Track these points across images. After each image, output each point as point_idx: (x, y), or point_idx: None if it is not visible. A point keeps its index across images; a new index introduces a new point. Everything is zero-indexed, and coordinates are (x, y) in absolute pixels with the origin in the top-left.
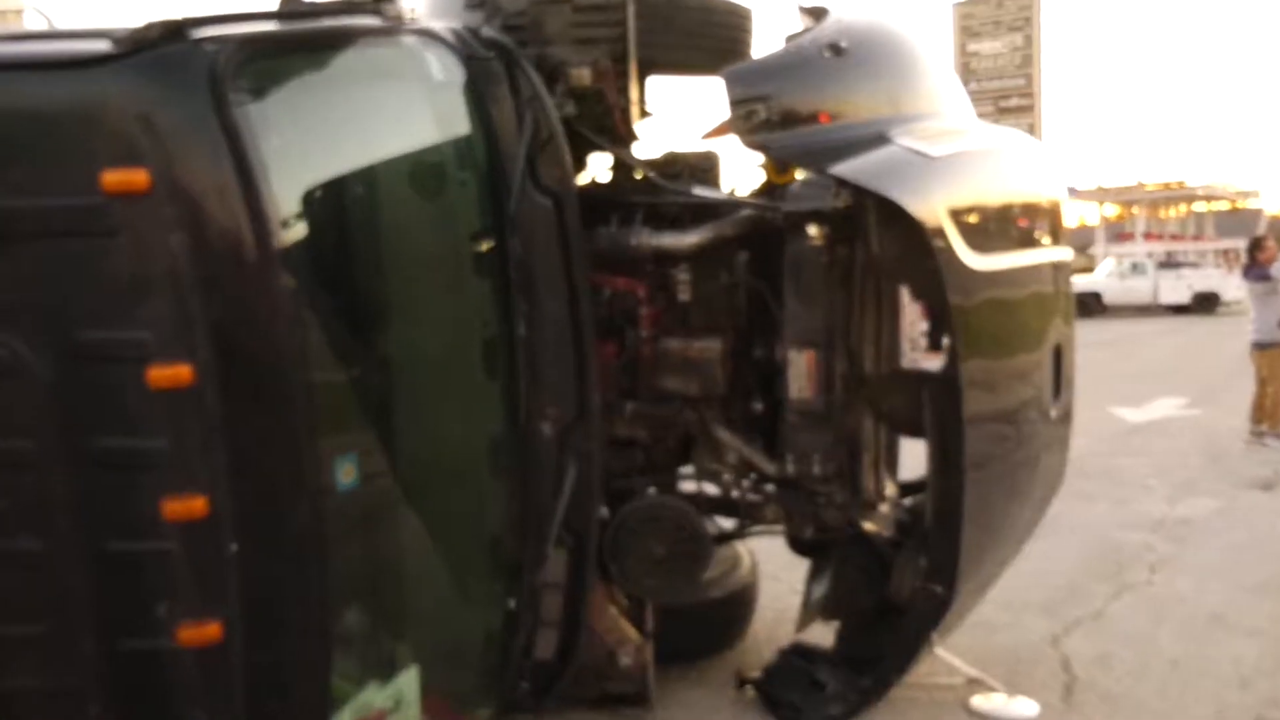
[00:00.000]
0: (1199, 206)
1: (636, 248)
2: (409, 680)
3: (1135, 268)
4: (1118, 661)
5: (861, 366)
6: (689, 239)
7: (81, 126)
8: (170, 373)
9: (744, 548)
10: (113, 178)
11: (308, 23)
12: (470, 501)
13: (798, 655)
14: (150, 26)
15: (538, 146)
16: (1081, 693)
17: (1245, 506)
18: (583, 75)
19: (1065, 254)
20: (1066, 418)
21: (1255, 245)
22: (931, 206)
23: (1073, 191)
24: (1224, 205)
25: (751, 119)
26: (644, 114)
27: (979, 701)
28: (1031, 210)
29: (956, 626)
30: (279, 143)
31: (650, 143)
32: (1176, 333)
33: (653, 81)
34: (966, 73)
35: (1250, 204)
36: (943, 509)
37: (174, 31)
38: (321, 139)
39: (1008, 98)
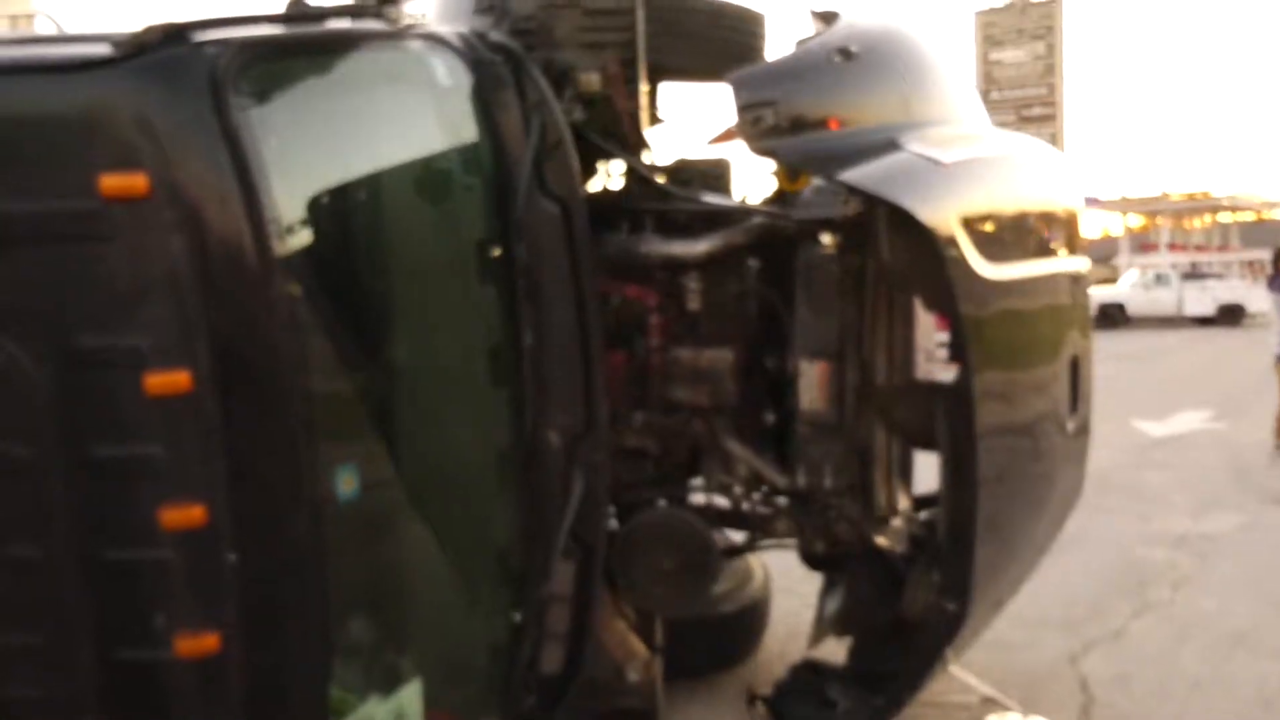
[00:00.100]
0: (1224, 217)
1: (646, 255)
2: (411, 693)
3: (1159, 279)
4: (1137, 682)
5: (874, 377)
6: (699, 247)
7: (80, 130)
8: (168, 379)
9: (757, 561)
10: (111, 182)
11: (311, 26)
12: (475, 512)
13: (809, 672)
14: (150, 30)
15: (545, 152)
16: (1099, 713)
17: (1271, 522)
18: (591, 80)
19: (1082, 264)
20: (1084, 431)
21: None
22: (943, 214)
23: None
24: (1249, 216)
25: (759, 124)
26: (655, 120)
27: None
28: (1047, 219)
29: (971, 643)
30: (280, 147)
31: (661, 149)
32: (1201, 345)
33: (664, 87)
34: (989, 81)
35: (1276, 214)
36: (956, 524)
37: (174, 35)
38: (324, 144)
39: (1030, 106)
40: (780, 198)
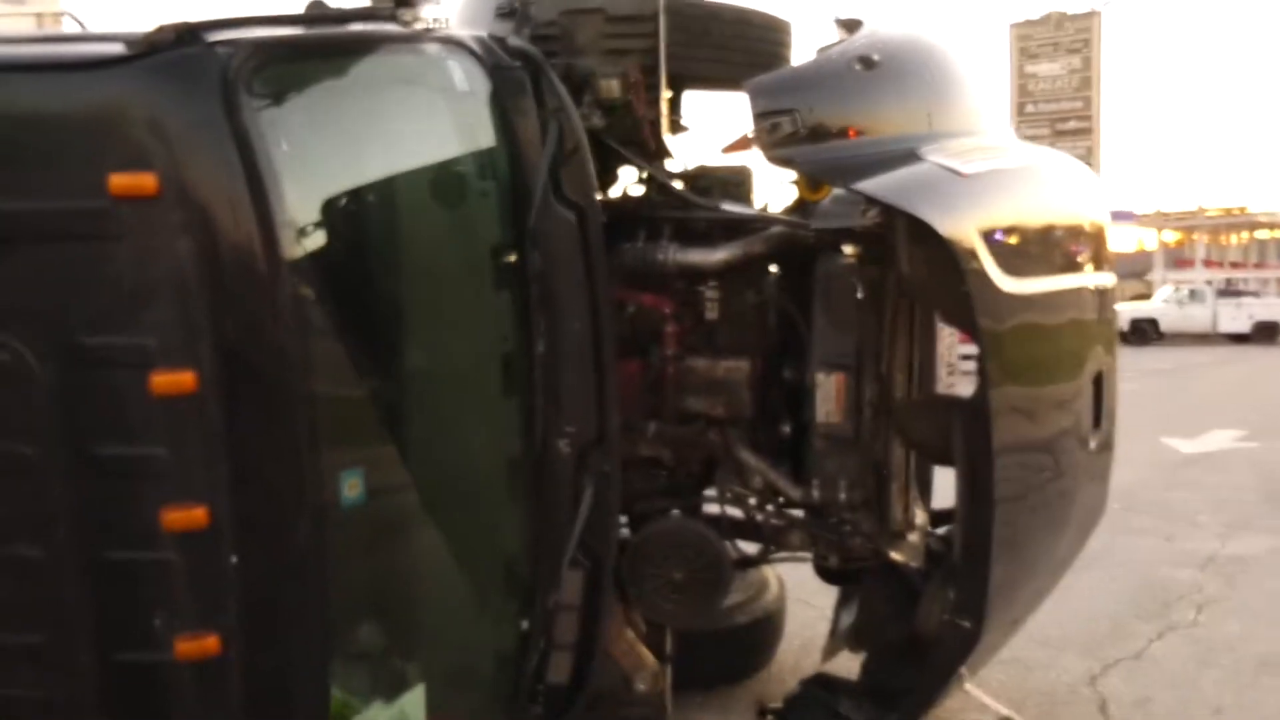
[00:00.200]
0: (1261, 234)
1: (663, 264)
2: (414, 700)
3: (1194, 295)
4: (1158, 706)
5: (892, 391)
6: (717, 255)
7: (90, 129)
8: (173, 380)
9: (773, 572)
10: (120, 181)
11: (326, 28)
12: (483, 520)
13: (821, 686)
14: (163, 29)
15: (562, 158)
16: None
17: None
18: (611, 86)
19: (1108, 279)
20: (1107, 448)
21: None
22: (962, 226)
23: (1132, 215)
24: None
25: (776, 132)
26: (678, 128)
27: None
28: (1071, 233)
29: (987, 661)
30: (292, 149)
31: (683, 157)
32: (1235, 362)
33: (688, 95)
34: (1023, 94)
35: None
36: (971, 541)
37: (187, 34)
38: (336, 146)
39: (1065, 120)
40: (801, 207)
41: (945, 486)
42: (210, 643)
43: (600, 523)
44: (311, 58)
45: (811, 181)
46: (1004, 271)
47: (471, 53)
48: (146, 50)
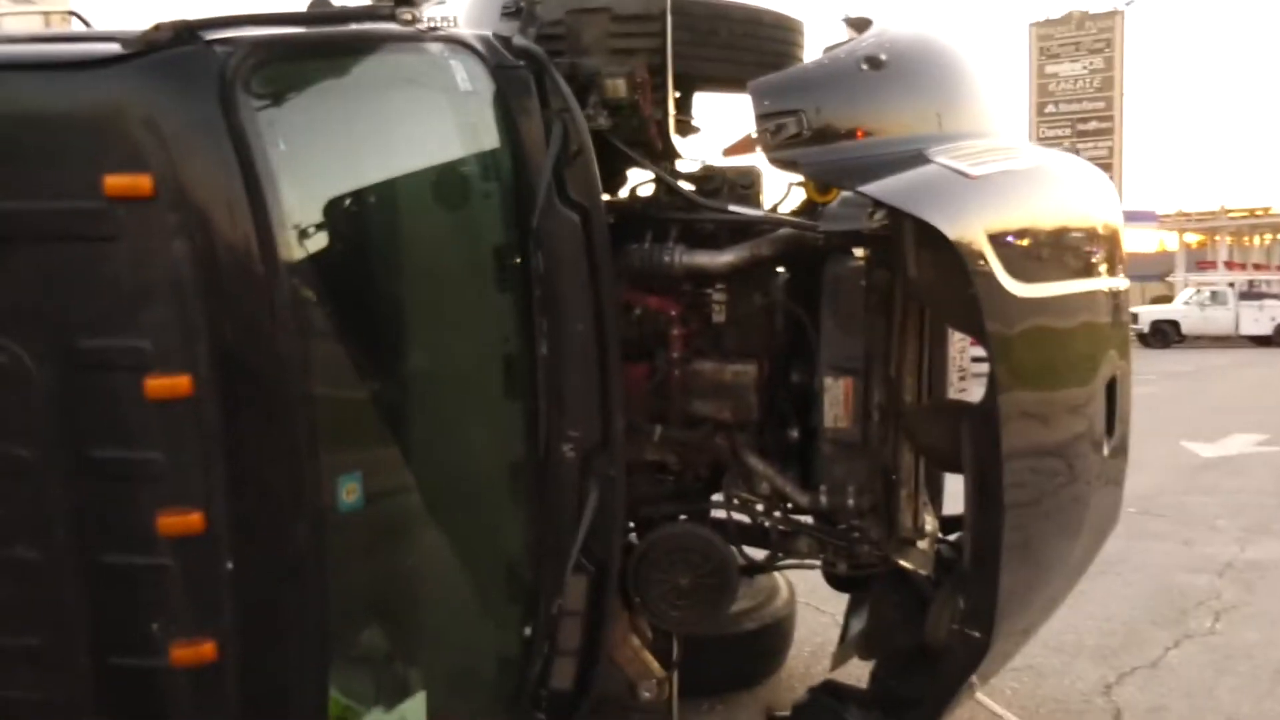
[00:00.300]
0: None
1: (670, 266)
2: (415, 706)
3: (1215, 296)
4: (1173, 715)
5: (901, 396)
6: (724, 258)
7: (85, 129)
8: (169, 383)
9: (782, 578)
10: (115, 182)
11: (325, 27)
12: (485, 525)
13: (830, 694)
14: (160, 27)
15: (566, 159)
16: None
17: None
18: (617, 86)
19: (1121, 283)
20: (1121, 453)
21: None
22: (970, 228)
23: (1153, 217)
24: None
25: (780, 133)
26: (688, 129)
27: None
28: (1083, 236)
29: (999, 670)
30: (290, 150)
31: (689, 157)
32: (1257, 365)
33: (698, 96)
34: (1043, 95)
35: None
36: (980, 549)
37: (185, 33)
38: (335, 147)
39: (1086, 121)
40: (810, 209)
41: (956, 492)
42: (206, 649)
43: (604, 528)
44: (311, 57)
45: (820, 183)
46: (1013, 275)
47: (474, 52)
48: (143, 49)
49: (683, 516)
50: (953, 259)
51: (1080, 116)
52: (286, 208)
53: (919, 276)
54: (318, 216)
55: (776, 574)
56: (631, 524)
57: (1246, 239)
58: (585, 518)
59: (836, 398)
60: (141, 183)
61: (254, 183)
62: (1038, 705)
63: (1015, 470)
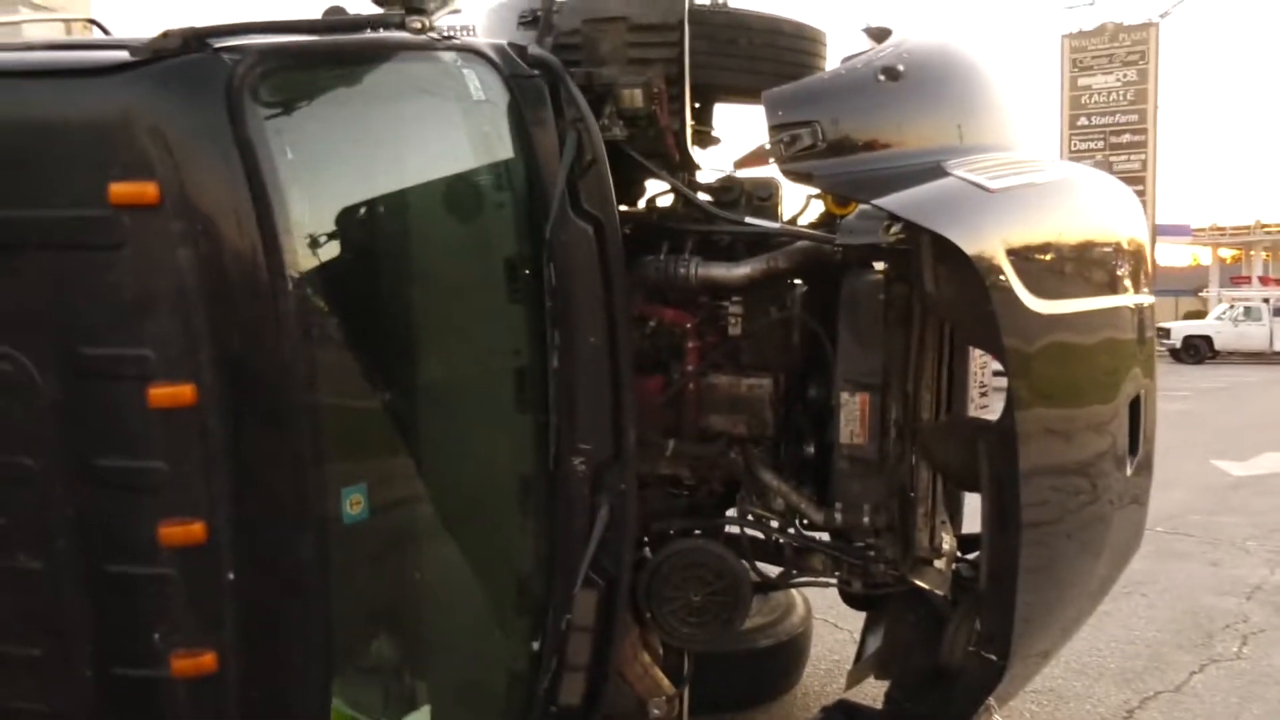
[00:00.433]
0: None
1: (686, 278)
2: (420, 719)
3: (1249, 312)
4: None
5: (919, 412)
6: (741, 270)
7: (91, 136)
8: (172, 392)
9: (800, 594)
10: (120, 190)
11: (335, 35)
12: (495, 539)
13: (843, 714)
14: (169, 35)
15: (580, 170)
16: None
17: None
18: (634, 96)
19: (1147, 300)
20: (1145, 472)
21: None
22: (988, 243)
23: (1187, 231)
24: None
25: (794, 145)
26: (709, 140)
27: None
28: (1106, 251)
29: (1018, 693)
30: (297, 158)
31: (707, 169)
32: None
33: (719, 108)
34: (1075, 107)
35: None
36: (997, 570)
37: (193, 40)
38: (344, 156)
39: (1119, 134)
40: (829, 222)
41: (976, 510)
42: (207, 660)
43: (615, 542)
44: (320, 65)
45: (839, 196)
46: (1032, 291)
47: (488, 61)
48: (151, 57)
49: (696, 532)
50: (970, 274)
51: (1113, 129)
52: (293, 217)
53: (936, 292)
54: (324, 226)
55: (793, 590)
56: (644, 539)
57: None
58: (595, 532)
59: (853, 413)
60: (147, 191)
61: (260, 192)
62: None
63: (1034, 489)
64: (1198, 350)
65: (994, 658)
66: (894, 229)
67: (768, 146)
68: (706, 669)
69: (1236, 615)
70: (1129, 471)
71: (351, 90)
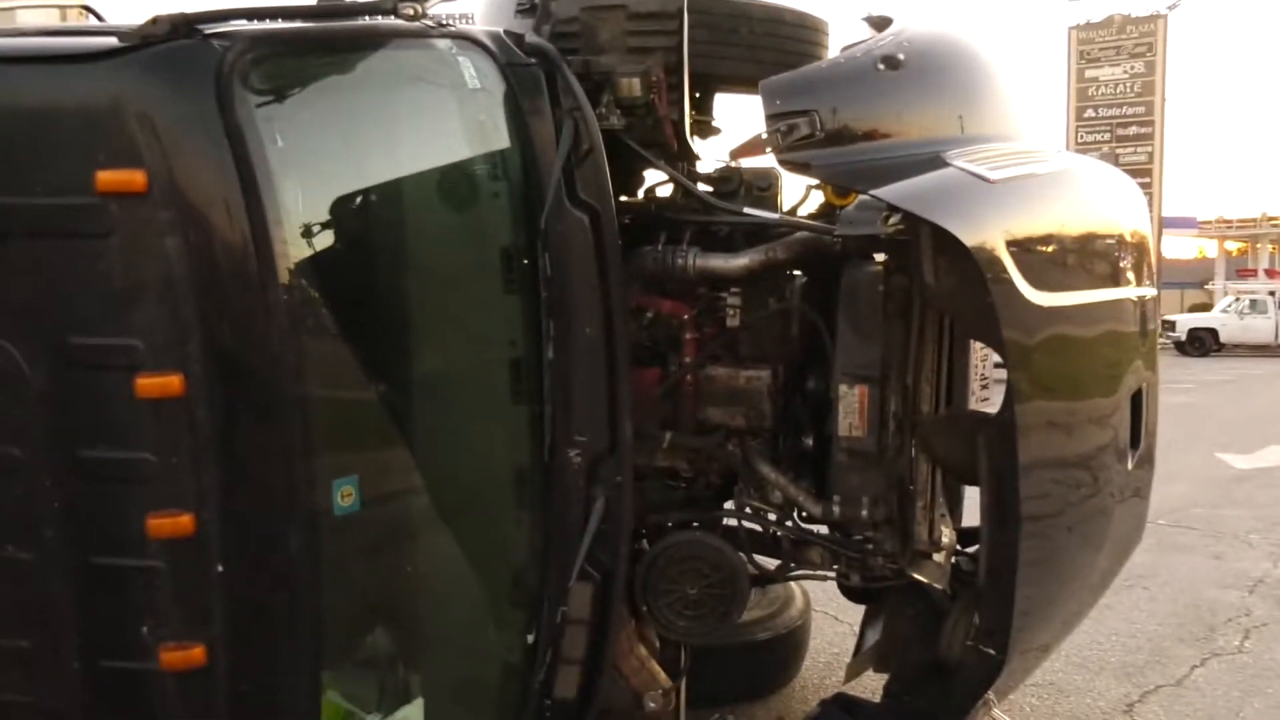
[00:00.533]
0: None
1: (684, 269)
2: (414, 712)
3: (1255, 305)
4: None
5: (918, 405)
6: (739, 261)
7: (78, 123)
8: (160, 382)
9: (799, 587)
10: (108, 177)
11: (328, 22)
12: (489, 531)
13: (841, 707)
14: (157, 21)
15: (576, 159)
16: None
17: None
18: (632, 85)
19: (1148, 292)
20: (1146, 465)
21: None
22: (988, 234)
23: (1193, 223)
24: None
25: (791, 134)
26: (709, 130)
27: None
28: (1108, 243)
29: (1018, 687)
30: (288, 146)
31: (706, 159)
32: None
33: (721, 96)
34: (1082, 99)
35: None
36: (996, 563)
37: (182, 26)
38: (335, 144)
39: (1126, 126)
40: (828, 213)
41: (976, 504)
42: (196, 653)
43: (611, 535)
44: (311, 52)
45: (839, 186)
46: (1032, 283)
47: (483, 49)
48: (139, 43)
49: (693, 524)
50: (970, 266)
51: (1120, 121)
52: (283, 205)
53: (936, 283)
54: (316, 215)
55: (792, 583)
56: (641, 531)
57: None
58: (591, 524)
59: (852, 406)
60: (135, 179)
61: (250, 180)
62: None
63: (1033, 482)
64: (1203, 343)
65: (993, 652)
66: (893, 220)
67: (764, 136)
68: (704, 662)
69: (1239, 609)
70: (1130, 465)
71: (344, 78)
